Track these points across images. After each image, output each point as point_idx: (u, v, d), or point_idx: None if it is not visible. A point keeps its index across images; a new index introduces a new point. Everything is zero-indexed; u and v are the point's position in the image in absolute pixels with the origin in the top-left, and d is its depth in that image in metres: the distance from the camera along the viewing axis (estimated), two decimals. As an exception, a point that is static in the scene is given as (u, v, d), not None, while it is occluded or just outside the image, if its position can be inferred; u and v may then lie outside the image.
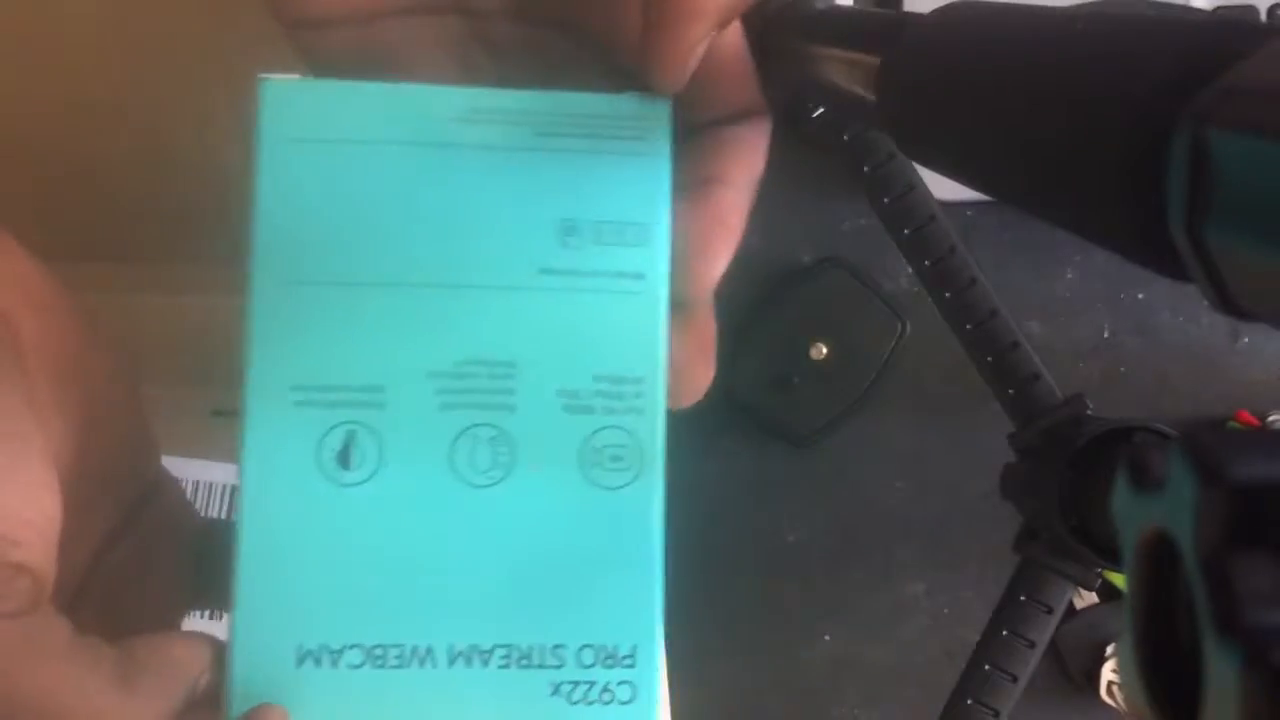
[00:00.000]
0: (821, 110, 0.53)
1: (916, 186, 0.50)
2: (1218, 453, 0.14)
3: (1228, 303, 0.17)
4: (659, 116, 0.26)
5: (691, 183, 0.26)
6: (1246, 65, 0.17)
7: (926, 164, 0.28)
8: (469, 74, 0.28)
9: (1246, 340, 0.59)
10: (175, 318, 0.41)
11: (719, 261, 0.26)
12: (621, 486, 0.25)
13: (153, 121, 0.42)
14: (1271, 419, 0.58)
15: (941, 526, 0.59)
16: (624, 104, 0.26)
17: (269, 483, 0.24)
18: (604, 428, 0.25)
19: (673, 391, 0.27)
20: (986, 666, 0.47)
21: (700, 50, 0.25)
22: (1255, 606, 0.13)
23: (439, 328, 0.25)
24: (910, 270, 0.53)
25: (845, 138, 0.50)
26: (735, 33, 0.27)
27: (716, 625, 0.58)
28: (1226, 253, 0.17)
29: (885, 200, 0.50)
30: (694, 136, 0.27)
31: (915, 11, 0.43)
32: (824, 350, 0.57)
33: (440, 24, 0.27)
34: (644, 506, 0.25)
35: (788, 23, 0.41)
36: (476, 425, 0.25)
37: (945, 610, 0.59)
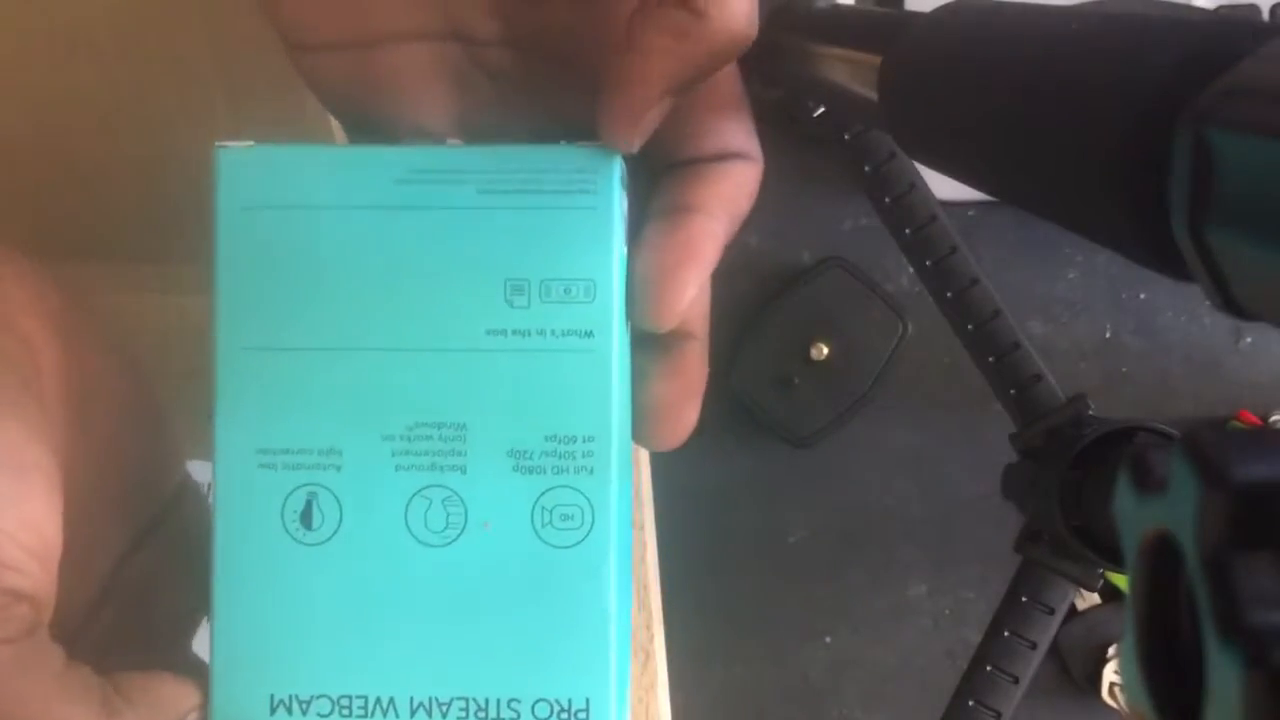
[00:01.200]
0: (822, 110, 0.53)
1: (917, 186, 0.50)
2: (1219, 454, 0.14)
3: (1230, 302, 0.17)
4: (607, 169, 0.26)
5: (665, 210, 0.26)
6: (1248, 65, 0.17)
7: (927, 163, 0.28)
8: (468, 99, 0.28)
9: (1249, 340, 0.59)
10: (175, 318, 0.41)
11: (685, 291, 0.25)
12: (573, 545, 0.26)
13: (152, 120, 0.42)
14: (1274, 419, 0.58)
15: (943, 527, 0.59)
16: (571, 156, 0.26)
17: (239, 541, 0.26)
18: (554, 487, 0.26)
19: (656, 433, 0.27)
20: (988, 667, 0.47)
21: (653, 115, 0.25)
22: (1257, 608, 0.13)
23: (391, 391, 0.26)
24: (911, 270, 0.53)
25: (846, 137, 0.50)
26: (730, 77, 0.27)
27: (716, 626, 0.58)
28: (1228, 252, 0.17)
29: (886, 200, 0.49)
30: (677, 169, 0.27)
31: (916, 10, 0.43)
32: (824, 350, 0.56)
33: (439, 50, 0.27)
34: (596, 564, 0.26)
35: (788, 22, 0.40)
36: (429, 486, 0.26)
37: (946, 611, 0.59)
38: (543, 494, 0.26)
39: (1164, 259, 0.18)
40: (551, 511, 0.26)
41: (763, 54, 0.45)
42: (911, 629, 0.59)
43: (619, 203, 0.26)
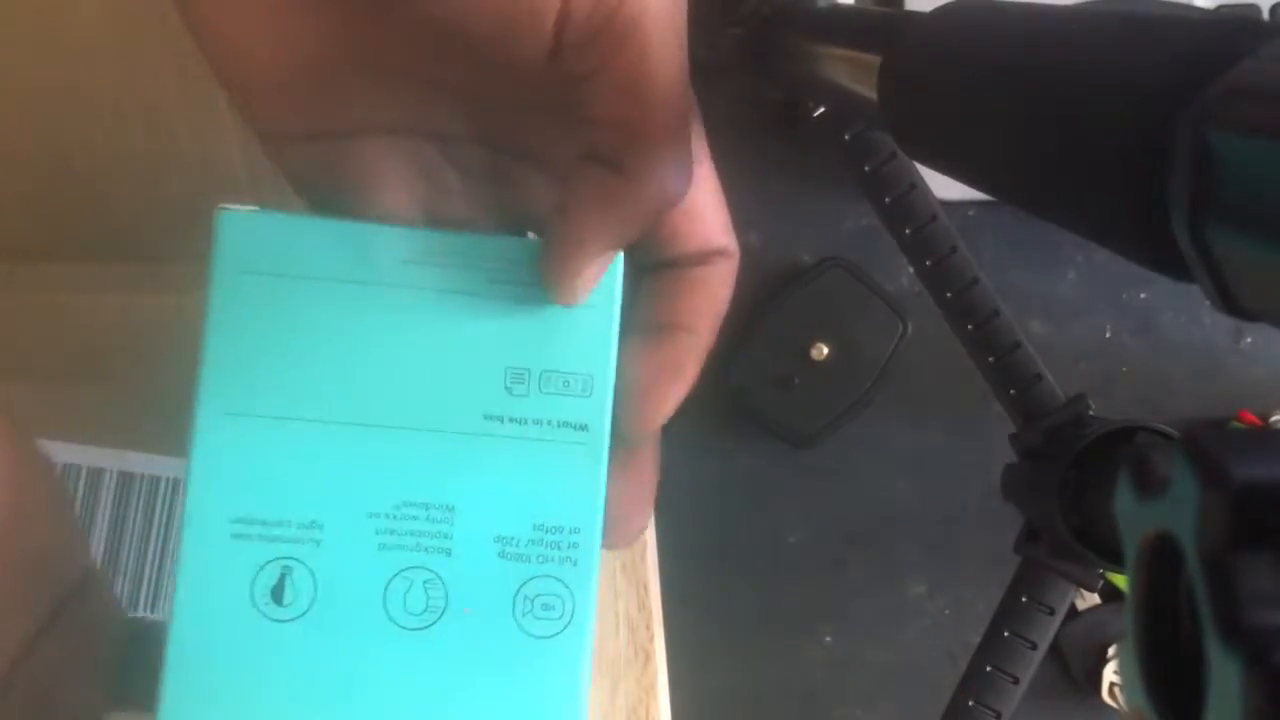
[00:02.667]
0: (822, 110, 0.53)
1: (918, 186, 0.49)
2: (1220, 454, 0.14)
3: (1230, 303, 0.17)
4: (610, 268, 0.26)
5: (650, 325, 0.26)
6: (1248, 65, 0.17)
7: (927, 163, 0.28)
8: (438, 194, 0.28)
9: (1249, 340, 0.59)
10: (173, 317, 0.41)
11: (667, 406, 0.26)
12: (552, 636, 0.25)
13: (152, 120, 0.42)
14: (1274, 419, 0.58)
15: (943, 527, 0.59)
16: None
17: (201, 613, 0.24)
18: (538, 576, 0.25)
19: (607, 533, 0.26)
20: (988, 668, 0.47)
21: (593, 272, 0.25)
22: (1257, 608, 0.13)
23: (380, 468, 0.25)
24: (911, 270, 0.53)
25: (846, 137, 0.50)
26: (708, 175, 0.27)
27: (716, 626, 0.58)
28: (1229, 252, 0.17)
29: (886, 200, 0.49)
30: (659, 274, 0.27)
31: (916, 10, 0.43)
32: (824, 350, 0.56)
33: (411, 146, 0.27)
34: (572, 656, 0.25)
35: (789, 22, 0.40)
36: (412, 568, 0.25)
37: (946, 611, 0.59)
38: (526, 583, 0.25)
39: (1164, 259, 0.18)
40: (533, 601, 0.25)
41: (763, 54, 0.45)
42: (911, 629, 0.59)
43: (619, 301, 0.26)
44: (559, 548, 0.25)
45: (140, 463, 0.38)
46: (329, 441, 0.25)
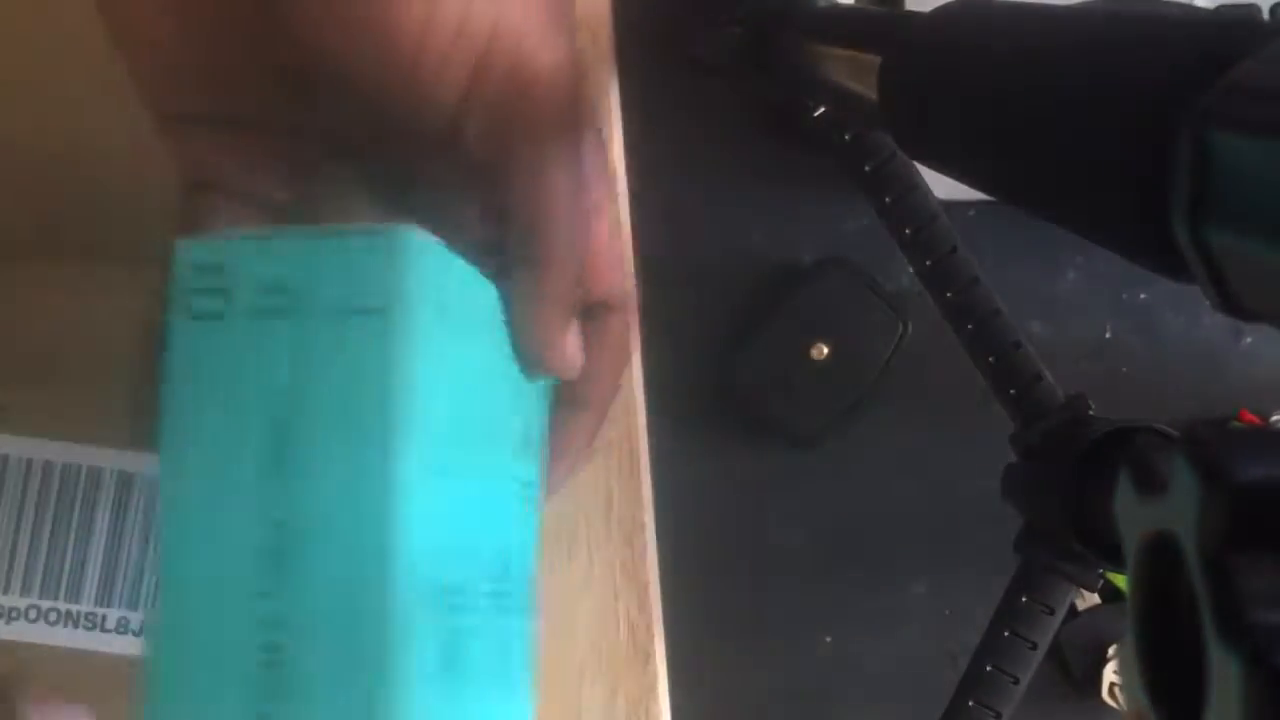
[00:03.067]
0: (822, 110, 0.53)
1: (918, 186, 0.50)
2: (1221, 454, 0.14)
3: (1229, 303, 0.17)
4: None
5: (555, 400, 0.27)
6: (1248, 65, 0.17)
7: (927, 163, 0.28)
8: (321, 193, 0.28)
9: (1249, 340, 0.59)
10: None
11: (563, 479, 0.28)
12: (503, 684, 0.26)
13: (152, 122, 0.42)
14: (1274, 419, 0.58)
15: (943, 527, 0.59)
16: None
17: (404, 685, 0.22)
18: (511, 628, 0.26)
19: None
20: (988, 667, 0.47)
21: (572, 341, 0.26)
22: (1258, 607, 0.13)
23: (489, 525, 0.25)
24: (911, 270, 0.53)
25: (846, 137, 0.50)
26: (602, 219, 0.27)
27: (716, 626, 0.58)
28: (1228, 252, 0.17)
29: (886, 200, 0.49)
30: None
31: (916, 10, 0.43)
32: (824, 350, 0.56)
33: (296, 143, 0.27)
34: (522, 702, 0.26)
35: (789, 22, 0.41)
36: (461, 627, 0.24)
37: (946, 611, 0.59)
38: (511, 635, 0.26)
39: (1164, 259, 0.18)
40: (515, 654, 0.26)
41: (762, 54, 0.45)
42: (911, 629, 0.59)
43: None
44: (506, 597, 0.26)
45: (140, 462, 0.38)
46: (467, 498, 0.24)
